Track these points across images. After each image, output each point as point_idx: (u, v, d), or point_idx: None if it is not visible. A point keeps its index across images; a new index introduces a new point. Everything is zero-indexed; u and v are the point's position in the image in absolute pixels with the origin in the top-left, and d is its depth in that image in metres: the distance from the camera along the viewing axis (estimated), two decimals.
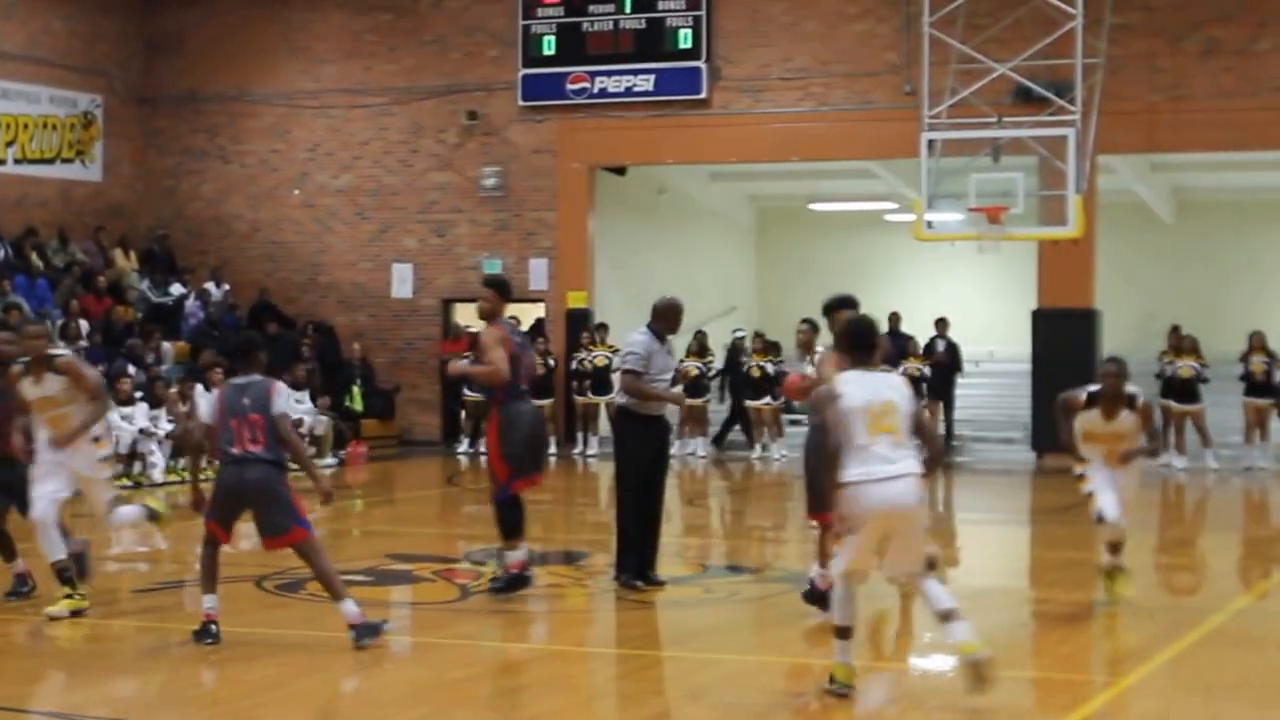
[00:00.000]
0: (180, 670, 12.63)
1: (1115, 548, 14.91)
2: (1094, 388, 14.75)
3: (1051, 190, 28.50)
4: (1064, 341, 30.76)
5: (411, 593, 16.48)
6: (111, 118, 36.19)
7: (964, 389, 33.70)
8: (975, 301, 36.67)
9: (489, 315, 15.42)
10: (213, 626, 12.97)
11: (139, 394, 28.52)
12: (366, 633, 12.86)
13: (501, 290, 15.73)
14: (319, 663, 12.76)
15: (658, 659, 13.59)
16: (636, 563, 15.91)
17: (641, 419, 15.84)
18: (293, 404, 13.29)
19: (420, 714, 11.41)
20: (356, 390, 33.43)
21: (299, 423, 28.94)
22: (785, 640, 14.29)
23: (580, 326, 33.27)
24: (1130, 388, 14.57)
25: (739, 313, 37.70)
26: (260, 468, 12.95)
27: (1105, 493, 14.63)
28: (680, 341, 23.52)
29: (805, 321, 16.89)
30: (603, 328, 32.53)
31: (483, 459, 31.59)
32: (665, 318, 15.95)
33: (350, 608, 12.99)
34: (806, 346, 16.51)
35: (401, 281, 35.51)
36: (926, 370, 31.71)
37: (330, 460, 30.29)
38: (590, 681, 13.08)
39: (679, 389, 17.79)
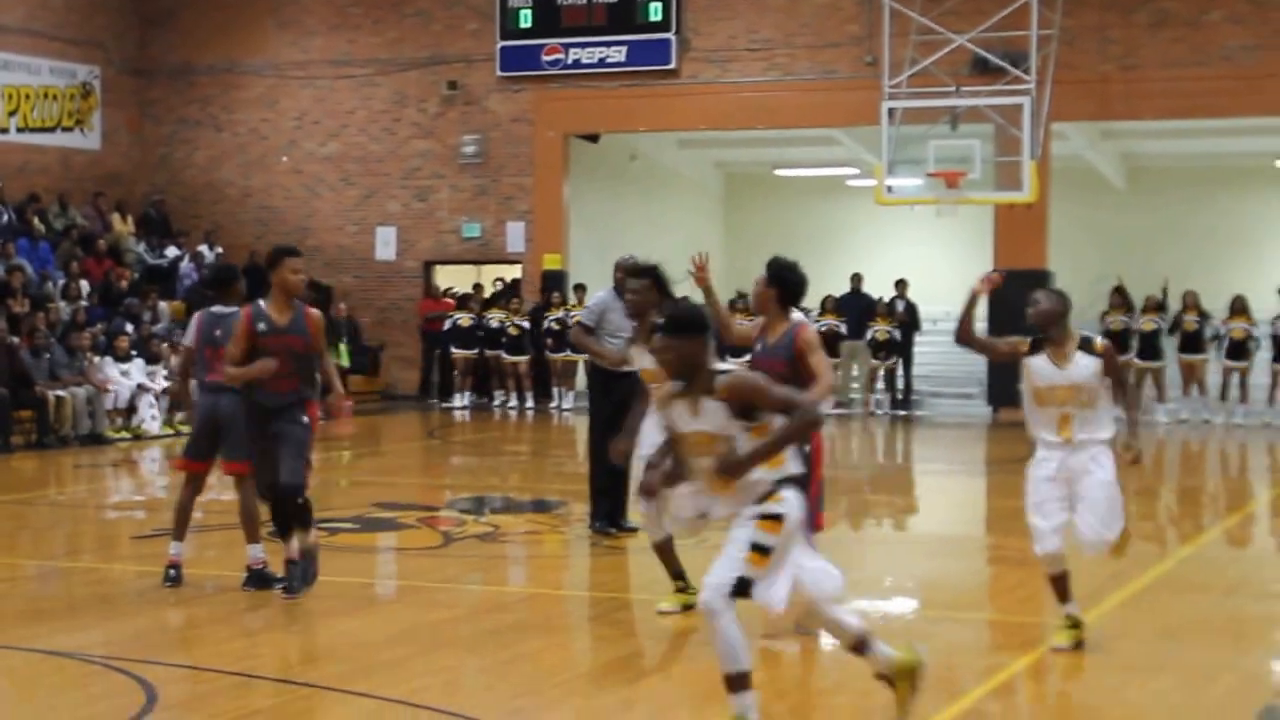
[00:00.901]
0: (173, 613, 12.58)
1: (1059, 581, 10.92)
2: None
3: (1007, 156, 28.61)
4: (1019, 301, 30.65)
5: (396, 539, 16.43)
6: (109, 89, 36.09)
7: (922, 347, 33.70)
8: (934, 263, 36.63)
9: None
10: (172, 571, 13.08)
11: (135, 351, 28.46)
12: (258, 580, 12.95)
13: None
14: (308, 605, 12.69)
15: (630, 601, 13.56)
16: (608, 510, 15.87)
17: (606, 374, 15.70)
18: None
19: (405, 653, 11.35)
20: (343, 348, 33.41)
21: None
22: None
23: (555, 287, 33.29)
24: (1085, 332, 11.06)
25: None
26: (231, 397, 12.81)
27: (1049, 508, 10.80)
28: None
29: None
30: (580, 288, 32.55)
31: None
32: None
33: (257, 552, 13.09)
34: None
35: (385, 244, 35.54)
36: (896, 333, 31.79)
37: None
38: (567, 623, 13.06)
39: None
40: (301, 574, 12.50)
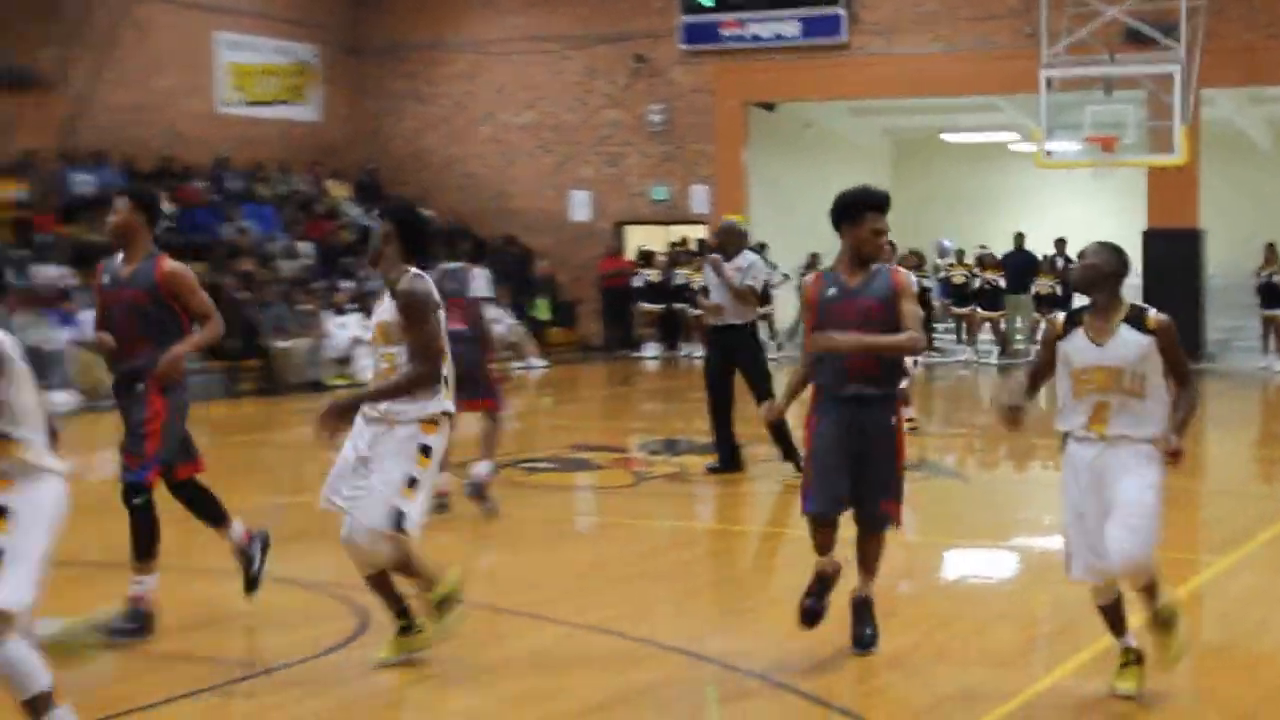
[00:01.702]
0: None
1: (1110, 611, 8.24)
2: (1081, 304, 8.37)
3: (1159, 121, 28.09)
4: (1171, 259, 30.37)
5: (591, 478, 16.52)
6: (326, 66, 36.43)
7: (1081, 300, 33.19)
8: (1090, 223, 36.06)
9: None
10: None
11: (352, 305, 28.79)
12: (475, 490, 13.34)
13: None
14: (511, 536, 12.77)
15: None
16: (727, 453, 15.93)
17: (709, 329, 16.01)
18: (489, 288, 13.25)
19: (598, 583, 11.41)
20: (543, 303, 33.54)
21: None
22: (917, 515, 14.20)
23: None
24: (1139, 303, 8.23)
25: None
26: (469, 343, 12.98)
27: (1081, 527, 8.03)
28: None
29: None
30: (761, 247, 32.47)
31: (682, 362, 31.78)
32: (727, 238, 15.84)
33: (482, 470, 13.43)
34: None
35: (579, 207, 35.59)
36: (1057, 288, 31.38)
37: (540, 362, 30.48)
38: (750, 557, 13.05)
39: None
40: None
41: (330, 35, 36.53)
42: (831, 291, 8.88)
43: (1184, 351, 8.01)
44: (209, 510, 10.06)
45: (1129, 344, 7.86)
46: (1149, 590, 8.00)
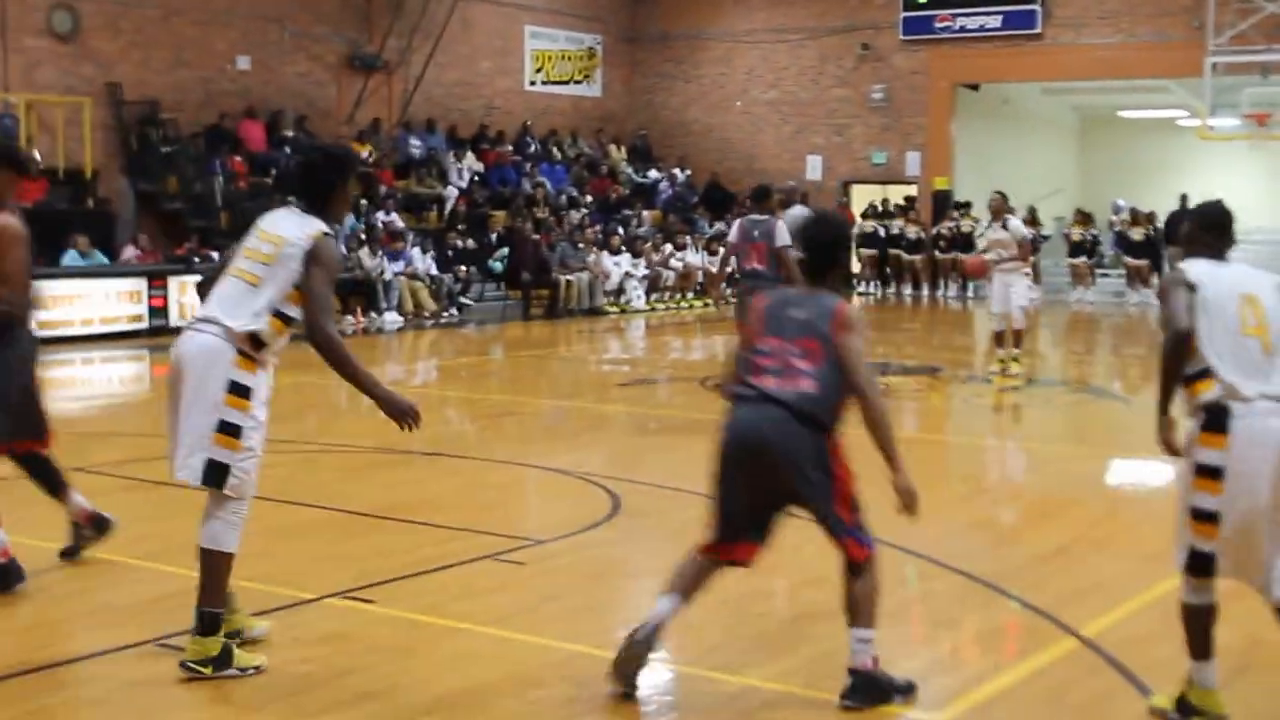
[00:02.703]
0: (636, 440, 12.69)
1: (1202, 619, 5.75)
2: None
3: None
4: None
5: None
6: (608, 52, 36.51)
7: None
8: (1247, 188, 34.90)
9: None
10: None
11: (624, 247, 28.94)
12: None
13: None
14: None
15: (1013, 448, 13.33)
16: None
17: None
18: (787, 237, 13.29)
19: None
20: None
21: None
22: (1087, 430, 13.89)
23: (943, 203, 32.87)
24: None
25: (1063, 194, 36.63)
26: (759, 282, 12.91)
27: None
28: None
29: (998, 192, 16.38)
30: (965, 205, 32.10)
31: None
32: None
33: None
34: (997, 213, 15.98)
35: (813, 169, 35.35)
36: None
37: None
38: (952, 464, 12.84)
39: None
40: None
41: (612, 27, 36.62)
42: None
43: None
44: (48, 480, 7.96)
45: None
46: None
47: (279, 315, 6.24)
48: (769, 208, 13.72)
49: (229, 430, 6.15)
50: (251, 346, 6.20)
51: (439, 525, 8.84)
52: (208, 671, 6.14)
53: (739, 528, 6.20)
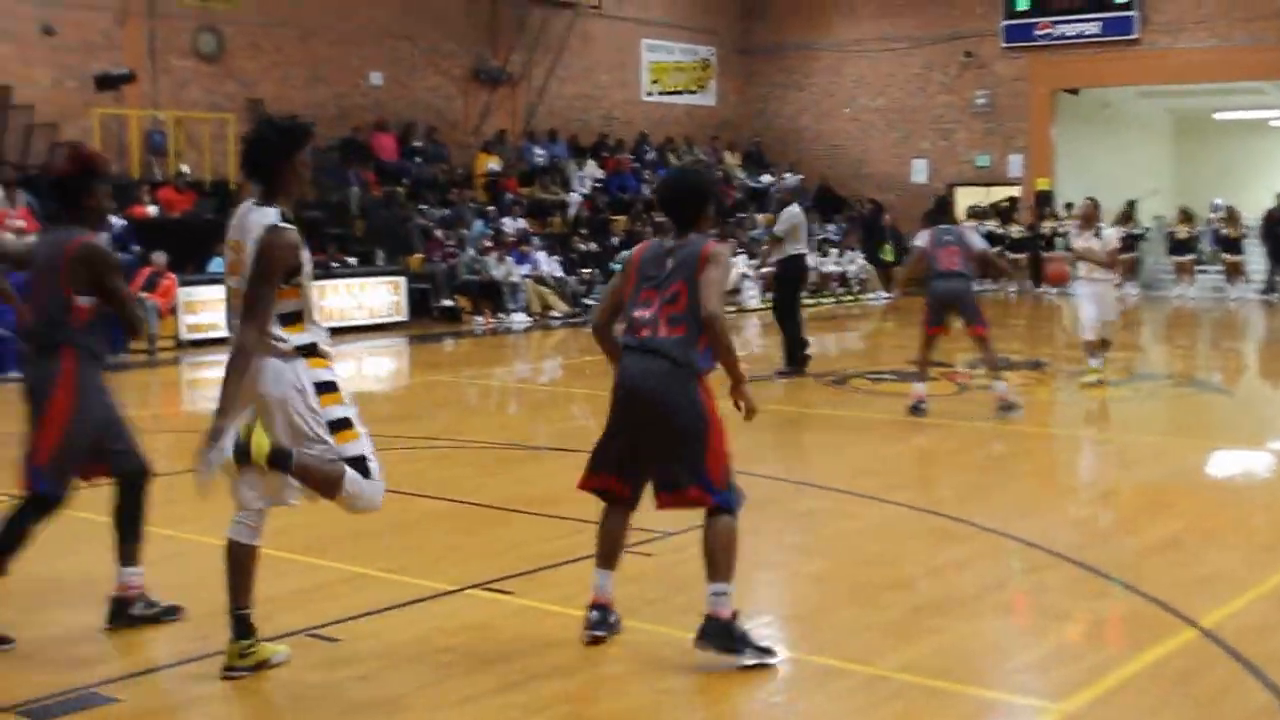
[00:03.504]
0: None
1: None
2: None
3: None
4: None
5: (925, 387, 16.13)
6: (721, 62, 36.38)
7: None
8: None
9: None
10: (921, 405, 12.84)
11: (740, 249, 28.76)
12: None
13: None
14: (857, 430, 12.52)
15: (1109, 440, 13.04)
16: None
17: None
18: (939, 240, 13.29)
19: (926, 472, 11.16)
20: (889, 247, 33.10)
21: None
22: (1193, 423, 13.55)
23: (1045, 203, 32.42)
24: None
25: (1159, 194, 35.96)
26: (960, 280, 13.15)
27: None
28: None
29: (1089, 198, 15.87)
30: (1070, 205, 31.64)
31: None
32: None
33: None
34: (1088, 220, 15.45)
35: (919, 172, 35.01)
36: None
37: (886, 294, 30.13)
38: (1057, 454, 12.59)
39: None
40: None
41: (725, 40, 36.46)
42: None
43: None
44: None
45: None
46: None
47: (282, 318, 5.80)
48: (952, 218, 14.00)
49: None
50: (302, 353, 5.84)
51: (569, 518, 8.75)
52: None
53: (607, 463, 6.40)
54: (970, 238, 13.63)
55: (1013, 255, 32.20)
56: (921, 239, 13.71)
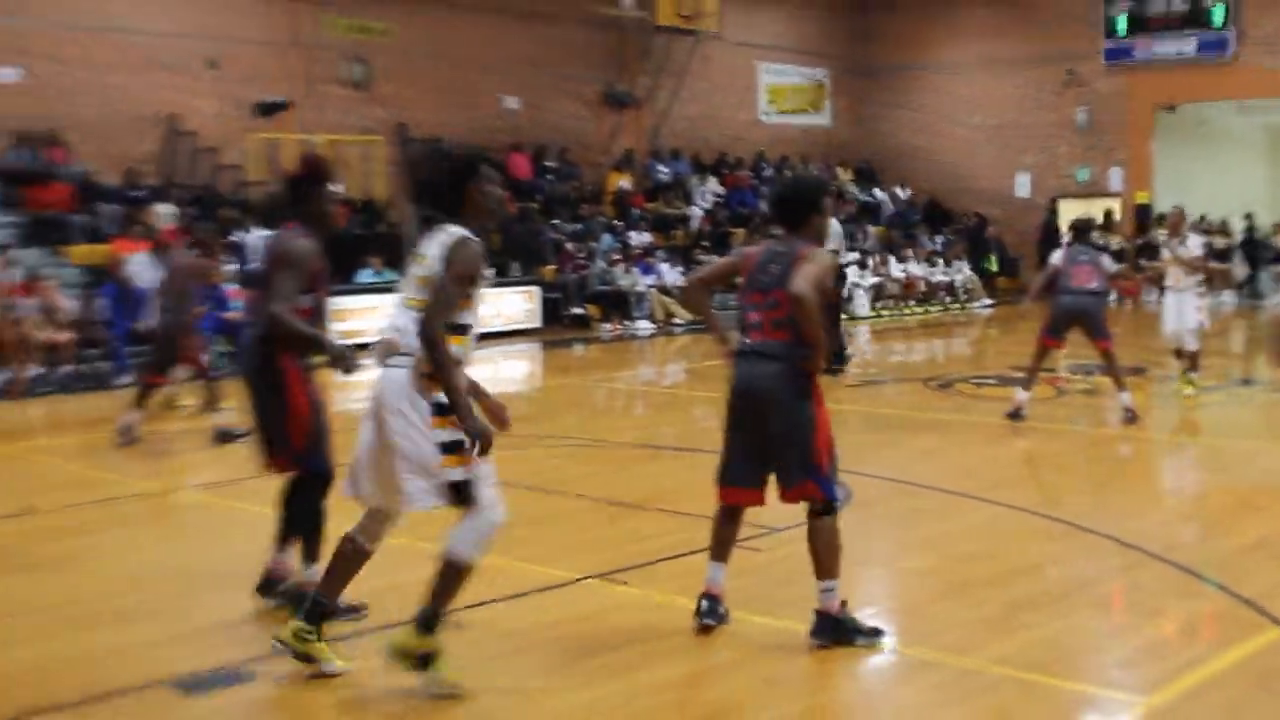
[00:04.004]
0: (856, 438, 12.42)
1: None
2: None
3: None
4: None
5: (1025, 395, 15.88)
6: (835, 84, 36.12)
7: None
8: None
9: None
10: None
11: (854, 259, 28.50)
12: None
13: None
14: (962, 437, 12.37)
15: (1205, 444, 12.74)
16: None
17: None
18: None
19: (1024, 472, 10.96)
20: (993, 258, 32.67)
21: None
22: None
23: (1144, 215, 31.79)
24: None
25: (1259, 206, 35.07)
26: (1090, 297, 12.79)
27: None
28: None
29: (1176, 206, 15.37)
30: (1163, 218, 30.90)
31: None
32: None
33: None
34: (1175, 228, 14.97)
35: (1022, 186, 34.51)
36: None
37: (989, 302, 29.78)
38: (1153, 457, 12.31)
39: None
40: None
41: (838, 63, 36.18)
42: None
43: None
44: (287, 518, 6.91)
45: None
46: None
47: (450, 326, 5.56)
48: (1089, 240, 13.61)
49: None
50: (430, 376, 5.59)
51: (687, 514, 8.72)
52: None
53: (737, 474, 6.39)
54: (1104, 261, 13.27)
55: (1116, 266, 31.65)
56: (1056, 257, 13.43)
